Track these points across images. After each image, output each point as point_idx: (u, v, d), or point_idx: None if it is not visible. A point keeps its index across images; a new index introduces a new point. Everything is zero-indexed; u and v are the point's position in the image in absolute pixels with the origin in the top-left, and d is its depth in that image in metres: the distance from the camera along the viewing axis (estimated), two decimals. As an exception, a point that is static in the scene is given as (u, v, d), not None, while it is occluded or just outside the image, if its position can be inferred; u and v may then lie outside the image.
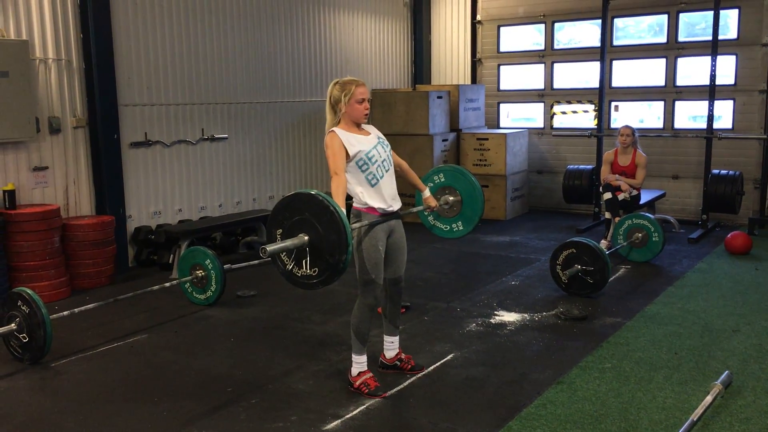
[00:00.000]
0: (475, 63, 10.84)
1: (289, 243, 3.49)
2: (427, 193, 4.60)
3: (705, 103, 8.61)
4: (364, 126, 4.14)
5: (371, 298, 4.04)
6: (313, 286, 3.57)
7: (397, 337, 4.45)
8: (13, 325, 4.67)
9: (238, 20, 8.19)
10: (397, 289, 4.31)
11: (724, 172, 8.54)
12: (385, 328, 4.42)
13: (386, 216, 4.06)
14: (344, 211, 3.55)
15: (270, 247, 3.45)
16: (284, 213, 3.58)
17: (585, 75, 10.07)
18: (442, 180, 4.77)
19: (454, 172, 4.78)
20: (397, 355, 4.46)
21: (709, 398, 3.79)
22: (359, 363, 4.15)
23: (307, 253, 3.51)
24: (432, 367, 4.52)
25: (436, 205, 4.64)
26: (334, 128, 4.01)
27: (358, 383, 4.12)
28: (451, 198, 4.76)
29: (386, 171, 4.08)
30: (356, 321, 4.08)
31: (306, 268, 3.53)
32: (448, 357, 4.70)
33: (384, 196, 4.04)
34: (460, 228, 4.85)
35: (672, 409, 3.87)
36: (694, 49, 9.16)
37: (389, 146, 4.20)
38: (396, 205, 4.12)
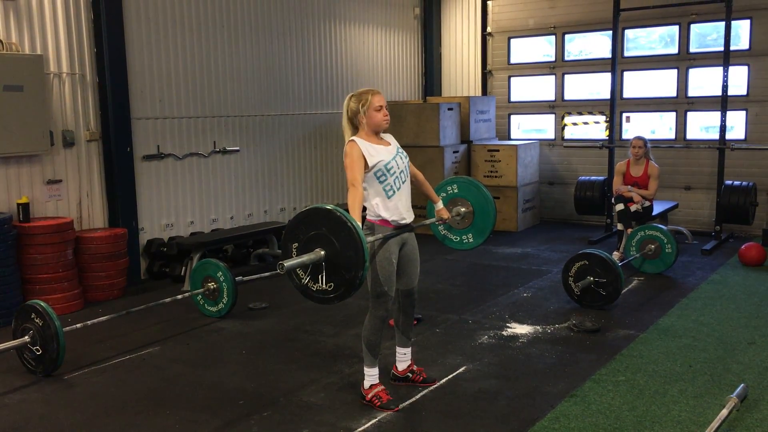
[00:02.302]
0: (486, 75, 10.85)
1: (305, 258, 3.48)
2: (440, 204, 4.59)
3: (717, 114, 8.58)
4: (383, 135, 4.14)
5: (383, 310, 4.03)
6: (328, 301, 3.56)
7: (409, 349, 4.44)
8: (26, 337, 4.69)
9: (250, 34, 8.24)
10: (410, 301, 4.30)
11: (737, 182, 8.49)
12: (397, 340, 4.41)
13: (399, 228, 4.05)
14: (361, 226, 3.55)
15: (287, 263, 3.44)
16: (300, 227, 3.57)
17: (596, 86, 10.06)
18: (456, 191, 4.77)
19: (467, 184, 4.77)
20: (408, 367, 4.44)
21: (724, 412, 3.75)
22: (371, 376, 4.14)
23: (323, 268, 3.50)
24: (444, 380, 4.50)
25: (448, 216, 4.63)
26: (354, 137, 4.00)
27: (370, 396, 4.11)
28: (463, 209, 4.75)
29: (403, 182, 4.07)
30: (367, 333, 4.07)
31: (322, 283, 3.53)
32: (460, 369, 4.68)
33: (399, 209, 4.03)
34: (471, 240, 4.84)
35: (687, 423, 3.83)
36: (706, 59, 9.14)
37: (407, 157, 4.19)
38: (409, 217, 4.11)
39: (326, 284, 3.52)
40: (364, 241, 3.41)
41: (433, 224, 4.81)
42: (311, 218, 3.55)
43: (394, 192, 4.01)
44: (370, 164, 3.94)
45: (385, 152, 4.02)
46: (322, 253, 3.48)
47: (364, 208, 4.05)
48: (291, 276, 3.59)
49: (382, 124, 4.04)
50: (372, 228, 4.03)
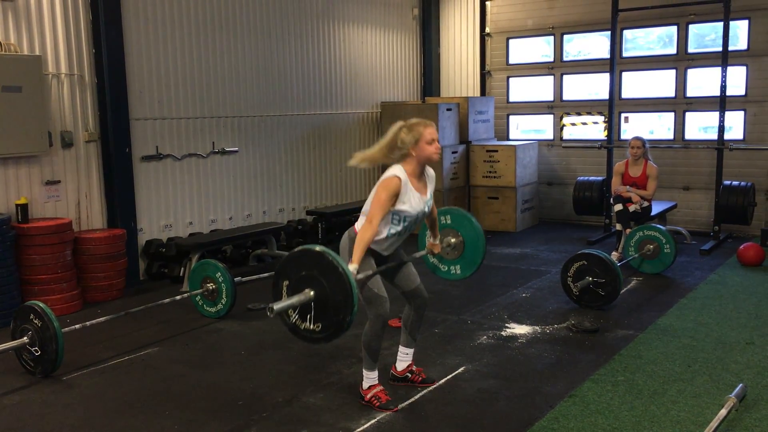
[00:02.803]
0: (485, 75, 10.86)
1: (295, 300, 3.51)
2: (437, 240, 4.59)
3: (715, 114, 8.59)
4: (428, 173, 4.09)
5: (379, 313, 3.99)
6: (315, 341, 3.59)
7: (412, 350, 4.43)
8: (25, 338, 4.68)
9: (249, 34, 8.24)
10: (420, 301, 4.27)
11: (735, 183, 8.50)
12: (402, 339, 4.40)
13: (377, 256, 4.06)
14: (354, 271, 3.59)
15: (277, 306, 3.47)
16: (292, 266, 3.59)
17: (594, 86, 10.07)
18: (448, 222, 4.78)
19: (460, 216, 4.77)
20: (408, 367, 4.44)
21: (723, 411, 3.75)
22: (370, 378, 4.14)
23: (312, 309, 3.53)
24: (443, 380, 4.50)
25: (439, 251, 4.66)
26: (399, 174, 3.90)
27: (369, 396, 4.11)
28: (453, 240, 4.77)
29: (408, 230, 4.06)
30: (368, 338, 4.04)
31: (309, 323, 3.55)
32: (460, 370, 4.68)
33: (389, 246, 4.04)
34: (458, 272, 4.87)
35: (686, 423, 3.83)
36: (704, 60, 9.15)
37: (432, 204, 4.17)
38: (389, 252, 4.11)
39: (314, 324, 3.54)
40: (354, 286, 3.43)
41: (425, 256, 4.83)
42: (303, 259, 3.56)
43: (396, 236, 4.02)
44: (397, 207, 3.90)
45: (417, 203, 3.97)
46: (312, 293, 3.51)
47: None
48: (281, 315, 3.59)
49: (433, 158, 3.97)
50: (354, 239, 4.01)
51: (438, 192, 9.31)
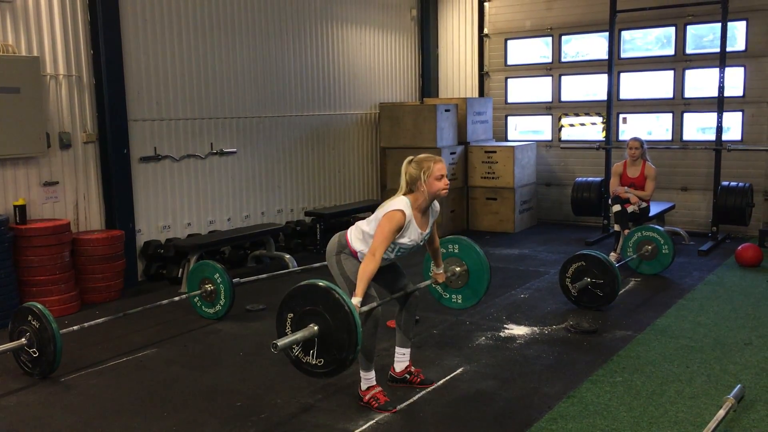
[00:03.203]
0: (483, 76, 10.87)
1: (299, 335, 3.53)
2: (440, 269, 4.62)
3: (713, 115, 8.60)
4: (432, 208, 4.13)
5: (372, 312, 3.98)
6: (317, 376, 3.63)
7: (408, 350, 4.43)
8: (23, 339, 4.68)
9: (247, 35, 8.24)
10: (410, 300, 4.30)
11: (733, 183, 8.51)
12: (397, 340, 4.40)
13: None
14: (358, 305, 3.63)
15: (281, 342, 3.48)
16: (297, 300, 3.61)
17: (592, 87, 10.08)
18: (456, 251, 4.81)
19: (468, 248, 4.79)
20: (406, 368, 4.44)
21: (721, 412, 3.76)
22: (367, 378, 4.14)
23: (315, 344, 3.55)
24: (441, 381, 4.50)
25: (443, 280, 4.69)
26: (404, 208, 3.93)
27: (367, 397, 4.11)
28: (458, 269, 4.80)
29: (398, 257, 4.12)
30: (362, 339, 4.03)
31: (312, 358, 3.57)
32: (458, 371, 4.68)
33: (380, 267, 4.02)
34: (460, 302, 4.92)
35: (684, 423, 3.84)
36: (702, 61, 9.16)
37: (431, 234, 4.21)
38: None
39: (316, 359, 3.57)
40: (359, 324, 3.46)
41: (428, 285, 4.85)
42: (309, 293, 3.58)
43: (386, 261, 4.04)
44: (396, 239, 3.95)
45: (416, 237, 4.03)
46: (316, 328, 3.53)
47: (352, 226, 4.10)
48: (284, 349, 3.61)
49: (441, 193, 4.01)
50: (344, 248, 4.06)
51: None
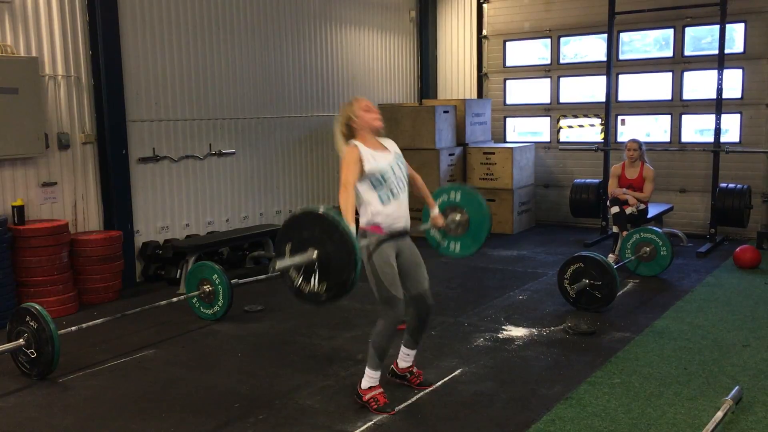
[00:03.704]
0: (482, 77, 10.87)
1: (298, 259, 3.51)
2: (436, 211, 4.59)
3: (712, 117, 8.60)
4: (384, 141, 4.16)
5: (394, 314, 3.97)
6: (320, 303, 3.58)
7: (414, 352, 4.43)
8: (21, 340, 4.67)
9: (246, 36, 8.24)
10: (426, 307, 4.24)
11: (731, 185, 8.51)
12: (405, 340, 4.39)
13: (391, 234, 4.04)
14: (353, 229, 3.57)
15: (280, 263, 3.49)
16: (294, 229, 3.60)
17: (591, 89, 10.08)
18: (457, 199, 4.77)
19: (470, 196, 4.77)
20: (409, 367, 4.45)
21: (719, 414, 3.76)
22: (372, 377, 4.11)
23: (315, 270, 3.52)
24: (440, 383, 4.50)
25: (443, 223, 4.64)
26: (354, 141, 4.03)
27: (367, 397, 4.10)
28: (458, 217, 4.76)
29: (401, 190, 4.08)
30: (378, 338, 4.02)
31: (314, 285, 3.54)
32: (456, 372, 4.68)
33: (393, 215, 4.02)
34: (458, 250, 4.87)
35: (682, 425, 3.84)
36: (701, 63, 9.17)
37: (406, 166, 4.20)
38: (402, 223, 4.09)
39: (318, 286, 3.53)
40: (356, 244, 3.43)
41: (428, 231, 4.83)
42: (304, 221, 3.58)
43: (389, 199, 4.01)
44: (367, 169, 3.94)
45: (382, 159, 4.03)
46: (315, 253, 3.50)
47: (358, 213, 4.05)
48: (284, 277, 3.62)
49: (373, 123, 4.07)
50: (365, 234, 4.02)
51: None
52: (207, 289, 5.89)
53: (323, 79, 9.34)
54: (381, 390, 4.14)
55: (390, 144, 4.21)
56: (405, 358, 4.42)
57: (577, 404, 4.14)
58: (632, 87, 9.75)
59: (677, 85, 9.34)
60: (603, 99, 9.33)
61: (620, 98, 9.75)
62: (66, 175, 6.68)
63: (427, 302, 4.23)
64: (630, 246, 7.12)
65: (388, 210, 4.01)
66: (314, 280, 3.53)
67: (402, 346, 4.42)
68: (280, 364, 4.93)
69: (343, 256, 3.44)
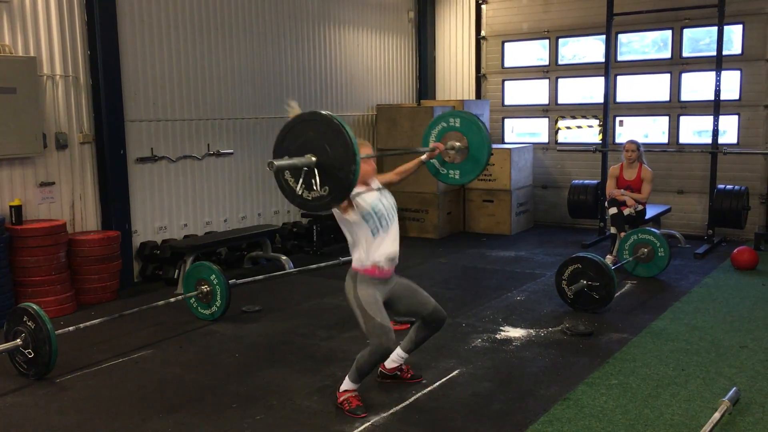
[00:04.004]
0: (480, 78, 10.87)
1: (296, 160, 3.49)
2: (423, 157, 4.64)
3: (710, 118, 8.62)
4: (372, 182, 4.19)
5: (383, 342, 3.93)
6: (325, 206, 3.57)
7: (407, 356, 4.45)
8: (18, 340, 4.67)
9: (244, 36, 8.24)
10: (440, 320, 4.29)
11: (729, 187, 8.52)
12: (404, 343, 4.40)
13: (381, 279, 4.07)
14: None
15: (277, 162, 3.47)
16: (288, 139, 3.58)
17: (589, 90, 10.09)
18: (457, 125, 4.74)
19: (469, 122, 4.74)
20: (398, 366, 4.48)
21: (717, 415, 3.76)
22: (349, 385, 4.13)
23: (315, 174, 3.50)
24: (437, 383, 4.50)
25: (442, 147, 4.67)
26: None
27: (341, 399, 4.12)
28: (458, 144, 4.74)
29: (390, 221, 4.11)
30: (364, 361, 4.01)
31: (317, 188, 3.51)
32: (454, 373, 4.68)
33: (383, 249, 4.03)
34: (458, 177, 4.86)
35: (679, 426, 3.84)
36: (699, 64, 9.18)
37: (391, 196, 4.22)
38: (392, 266, 4.12)
39: (321, 189, 3.51)
40: (352, 135, 3.42)
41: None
42: (297, 128, 3.56)
43: (378, 231, 4.03)
44: (360, 209, 3.96)
45: (369, 196, 4.05)
46: (314, 159, 3.49)
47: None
48: (285, 188, 3.60)
49: (369, 173, 4.10)
50: (355, 277, 4.06)
51: (433, 194, 9.33)
52: (205, 290, 5.89)
53: (322, 79, 9.34)
54: (356, 393, 4.13)
55: (374, 182, 4.23)
56: (396, 360, 4.43)
57: (574, 405, 4.14)
58: (630, 88, 9.76)
59: (675, 87, 9.36)
60: (601, 100, 9.34)
61: (618, 99, 9.76)
62: (64, 175, 6.68)
63: (441, 315, 4.29)
64: (628, 247, 7.12)
65: (378, 242, 4.03)
66: (316, 185, 3.51)
67: (398, 347, 4.41)
68: (278, 364, 4.93)
69: (341, 151, 3.42)
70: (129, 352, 5.23)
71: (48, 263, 6.08)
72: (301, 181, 3.53)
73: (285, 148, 3.58)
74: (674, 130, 9.43)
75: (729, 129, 9.06)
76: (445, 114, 4.84)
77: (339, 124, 3.42)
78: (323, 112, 3.50)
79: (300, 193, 3.57)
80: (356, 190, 3.97)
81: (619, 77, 9.71)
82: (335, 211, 4.00)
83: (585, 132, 10.15)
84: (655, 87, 9.56)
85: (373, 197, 4.07)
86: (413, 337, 4.37)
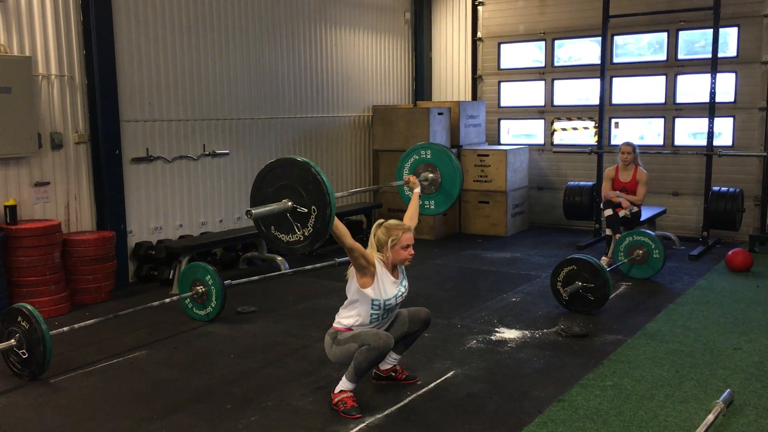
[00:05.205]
0: (476, 80, 10.89)
1: (274, 207, 3.69)
2: (417, 191, 4.74)
3: (705, 120, 8.64)
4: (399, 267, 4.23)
5: (379, 344, 3.96)
6: (302, 249, 3.74)
7: (400, 357, 4.47)
8: (12, 340, 4.65)
9: (240, 36, 8.23)
10: (421, 324, 4.35)
11: (724, 189, 8.55)
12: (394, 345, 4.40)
13: None
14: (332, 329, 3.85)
15: (255, 210, 3.66)
16: (267, 182, 3.82)
17: (585, 92, 10.11)
18: (428, 157, 4.85)
19: (440, 153, 4.86)
20: (392, 367, 4.48)
21: (710, 417, 3.77)
22: (346, 385, 4.13)
23: (290, 218, 3.68)
24: (432, 384, 4.50)
25: (415, 181, 4.78)
26: (377, 258, 4.06)
27: (336, 399, 4.12)
28: (431, 175, 4.86)
29: (391, 314, 4.18)
30: (362, 359, 4.00)
31: (300, 232, 3.68)
32: (449, 374, 4.68)
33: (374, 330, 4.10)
34: (433, 207, 5.01)
35: (673, 428, 3.85)
36: (694, 66, 9.20)
37: (407, 287, 4.24)
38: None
39: (302, 230, 3.67)
40: (330, 187, 3.61)
41: (400, 188, 4.92)
42: (276, 171, 3.80)
43: (377, 321, 4.10)
44: (372, 295, 3.99)
45: (392, 288, 4.07)
46: (290, 203, 3.67)
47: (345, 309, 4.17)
48: (262, 230, 3.80)
49: (404, 263, 4.13)
50: (335, 334, 4.10)
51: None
52: (200, 290, 5.88)
53: (318, 80, 9.34)
54: (351, 394, 4.12)
55: (402, 271, 4.25)
56: (389, 361, 4.44)
57: (569, 406, 4.14)
58: (626, 90, 9.78)
59: (671, 89, 9.38)
60: (597, 102, 9.35)
61: (614, 101, 9.78)
62: (59, 174, 6.66)
63: (420, 317, 4.34)
64: (623, 249, 7.14)
65: (371, 326, 4.09)
66: (298, 229, 3.66)
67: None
68: (273, 365, 4.93)
69: (317, 195, 3.60)
70: (124, 352, 5.22)
71: (43, 263, 6.07)
72: (279, 228, 3.76)
73: (265, 189, 3.78)
74: (669, 132, 9.46)
75: (724, 131, 9.08)
76: (417, 146, 4.93)
77: (314, 171, 3.60)
78: (300, 159, 3.70)
79: (287, 240, 3.75)
80: (383, 271, 4.04)
81: (614, 79, 9.73)
82: (352, 272, 4.04)
83: (581, 134, 10.17)
84: (650, 89, 9.58)
85: (393, 291, 4.09)
86: (404, 340, 4.38)
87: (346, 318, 4.12)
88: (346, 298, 4.16)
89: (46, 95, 6.52)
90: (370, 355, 3.97)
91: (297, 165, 3.68)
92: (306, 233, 3.65)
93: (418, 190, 4.77)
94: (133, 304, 5.90)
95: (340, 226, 3.85)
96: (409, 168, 5.01)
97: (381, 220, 4.19)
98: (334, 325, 4.17)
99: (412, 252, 4.13)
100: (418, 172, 4.83)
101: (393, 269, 4.15)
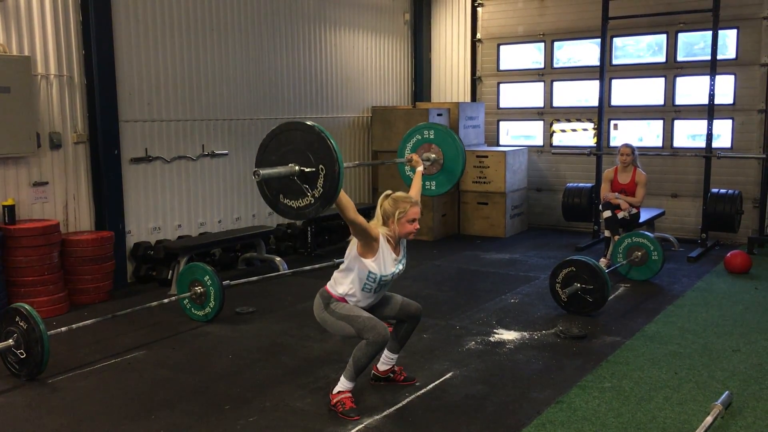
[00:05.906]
0: (475, 81, 10.89)
1: (281, 169, 3.61)
2: (420, 169, 4.72)
3: (704, 122, 8.64)
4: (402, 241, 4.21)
5: (377, 333, 3.95)
6: (314, 212, 3.67)
7: (397, 356, 4.47)
8: (10, 340, 4.65)
9: (240, 37, 8.23)
10: (414, 312, 4.34)
11: (723, 191, 8.55)
12: (389, 344, 4.40)
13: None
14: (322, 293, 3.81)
15: (263, 171, 3.59)
16: (272, 148, 3.72)
17: (584, 93, 10.11)
18: (431, 137, 4.82)
19: (444, 133, 4.82)
20: (390, 368, 4.48)
21: (709, 419, 3.77)
22: (345, 386, 4.13)
23: (302, 182, 3.62)
24: (431, 386, 4.50)
25: (417, 159, 4.74)
26: (381, 235, 4.02)
27: (335, 401, 4.11)
28: (434, 155, 4.82)
29: (385, 288, 4.17)
30: (360, 355, 4.00)
31: (306, 197, 3.63)
32: (447, 375, 4.68)
33: (361, 303, 4.10)
34: (434, 188, 4.97)
35: (672, 430, 3.85)
36: (693, 68, 9.21)
37: (406, 261, 4.23)
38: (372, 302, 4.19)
39: (311, 193, 3.62)
40: (338, 149, 3.54)
41: (400, 165, 4.88)
42: (283, 134, 3.71)
43: (370, 292, 4.09)
44: (370, 267, 3.97)
45: (391, 265, 4.06)
46: (296, 167, 3.60)
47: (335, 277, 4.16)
48: (280, 209, 3.74)
49: (409, 236, 4.11)
50: (329, 299, 4.09)
51: (427, 197, 9.31)
52: (198, 291, 5.87)
53: (317, 80, 9.34)
54: (349, 395, 4.12)
55: (403, 245, 4.24)
56: (387, 362, 4.44)
57: (567, 408, 4.14)
58: (625, 92, 9.78)
59: (670, 91, 9.38)
60: (596, 103, 9.35)
61: (613, 103, 9.78)
62: (57, 174, 6.65)
63: (411, 309, 4.33)
64: (622, 250, 7.14)
65: (362, 296, 4.08)
66: (307, 191, 3.61)
67: (386, 350, 4.42)
68: (272, 366, 4.92)
69: (324, 153, 3.54)
70: (122, 353, 5.21)
71: (41, 263, 6.06)
72: (287, 195, 3.69)
73: (270, 156, 3.69)
74: (668, 133, 9.46)
75: (723, 133, 9.09)
76: (420, 126, 4.88)
77: (322, 133, 3.54)
78: (308, 123, 3.62)
79: (297, 207, 3.68)
80: (386, 246, 4.02)
81: (613, 81, 9.73)
82: (353, 240, 4.01)
83: (580, 135, 10.18)
84: (649, 91, 9.59)
85: (392, 267, 4.08)
86: (395, 336, 4.38)
87: (341, 285, 4.09)
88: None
89: (45, 95, 6.51)
90: (369, 351, 3.97)
91: (301, 128, 3.61)
92: (316, 194, 3.57)
93: (421, 168, 4.73)
94: (132, 305, 5.89)
95: (344, 198, 3.80)
96: (410, 148, 4.95)
97: (389, 191, 4.14)
98: (327, 287, 4.14)
99: (417, 226, 4.10)
100: (420, 153, 4.79)
101: (396, 245, 4.11)
